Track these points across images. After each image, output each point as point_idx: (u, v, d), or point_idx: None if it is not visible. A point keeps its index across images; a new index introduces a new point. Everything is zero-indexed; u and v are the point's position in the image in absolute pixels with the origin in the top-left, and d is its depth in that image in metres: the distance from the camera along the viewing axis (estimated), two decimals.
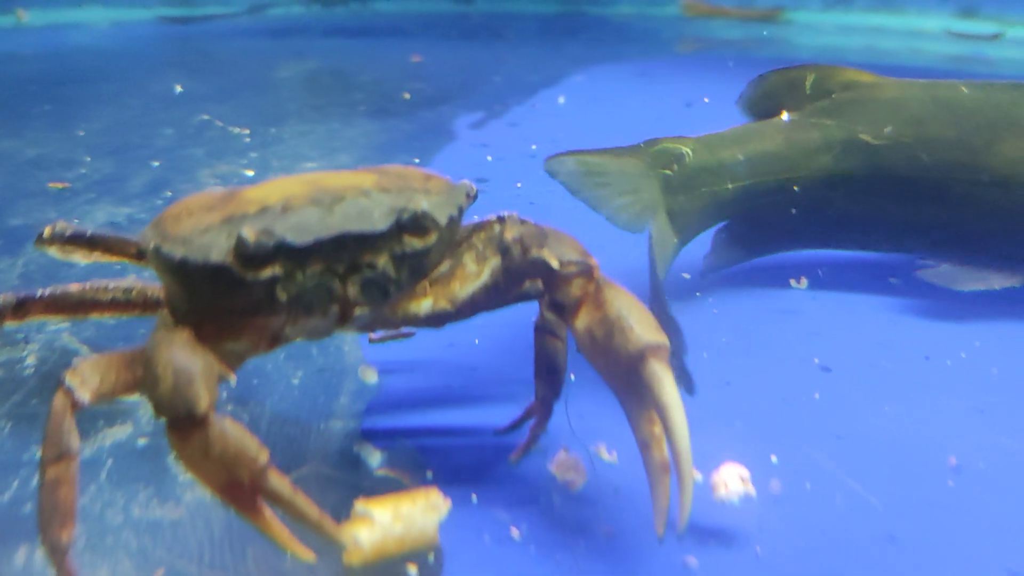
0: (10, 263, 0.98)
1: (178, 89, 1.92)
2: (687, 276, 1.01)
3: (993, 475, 0.66)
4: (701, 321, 0.90)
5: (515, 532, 0.59)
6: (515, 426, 0.69)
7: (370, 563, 0.54)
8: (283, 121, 1.68)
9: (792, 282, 1.00)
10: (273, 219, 0.54)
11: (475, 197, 0.62)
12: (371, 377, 0.79)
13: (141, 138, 1.54)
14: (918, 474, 0.66)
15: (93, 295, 0.66)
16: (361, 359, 0.80)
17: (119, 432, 0.67)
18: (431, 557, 0.56)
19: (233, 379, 0.54)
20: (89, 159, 1.40)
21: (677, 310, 0.81)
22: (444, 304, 0.61)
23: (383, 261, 0.55)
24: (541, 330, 0.65)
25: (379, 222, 0.55)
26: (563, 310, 0.60)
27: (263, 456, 0.48)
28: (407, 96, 1.77)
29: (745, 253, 1.07)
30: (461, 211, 0.61)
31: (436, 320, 0.62)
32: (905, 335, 0.88)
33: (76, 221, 0.85)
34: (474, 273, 0.61)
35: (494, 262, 0.61)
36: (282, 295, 0.54)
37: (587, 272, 0.60)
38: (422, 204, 0.56)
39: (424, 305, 0.61)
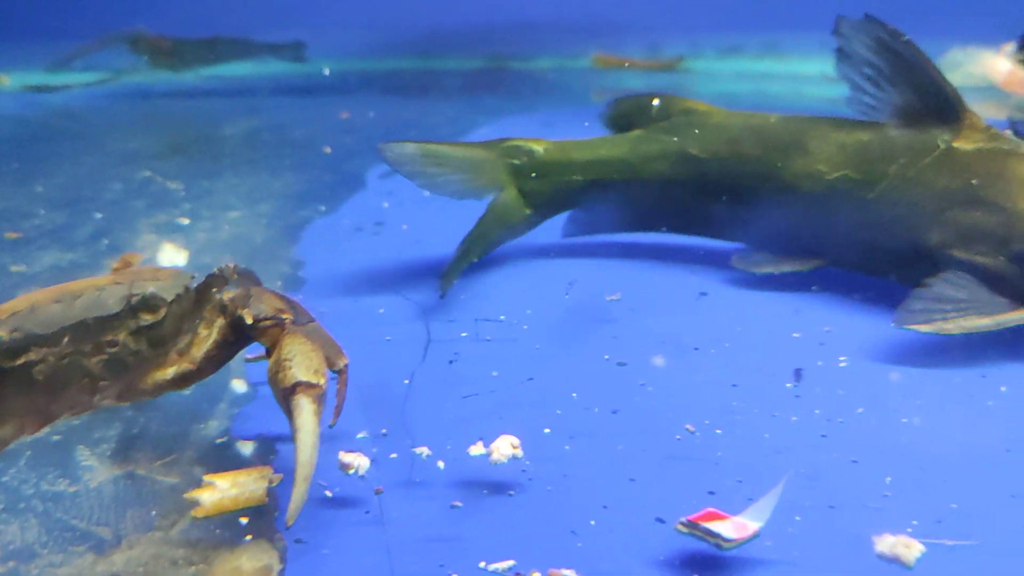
0: None
1: (130, 147, 2.16)
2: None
3: (722, 434, 0.91)
4: (514, 319, 1.15)
5: (328, 493, 0.81)
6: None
7: (211, 515, 0.78)
8: (218, 175, 1.92)
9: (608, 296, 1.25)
10: (22, 319, 0.73)
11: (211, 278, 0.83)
12: (243, 386, 1.02)
13: (91, 192, 1.77)
14: (656, 431, 0.91)
15: None
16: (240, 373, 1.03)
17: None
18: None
19: None
20: (43, 211, 1.63)
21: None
22: (187, 365, 0.82)
23: (123, 337, 0.76)
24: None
25: (113, 306, 0.76)
26: (268, 352, 0.81)
27: None
28: (328, 150, 2.03)
29: (594, 230, 1.45)
30: (187, 290, 0.82)
31: (182, 380, 0.83)
32: (687, 331, 1.13)
33: (24, 266, 1.08)
34: (206, 335, 0.82)
35: (219, 323, 0.82)
36: (39, 376, 0.73)
37: (279, 324, 0.81)
38: (149, 288, 0.78)
39: (170, 371, 0.82)
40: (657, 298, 1.25)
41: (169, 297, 0.78)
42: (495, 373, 1.03)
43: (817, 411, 0.95)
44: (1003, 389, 1.00)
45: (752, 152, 1.30)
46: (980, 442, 0.91)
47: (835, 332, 1.13)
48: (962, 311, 1.03)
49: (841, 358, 1.07)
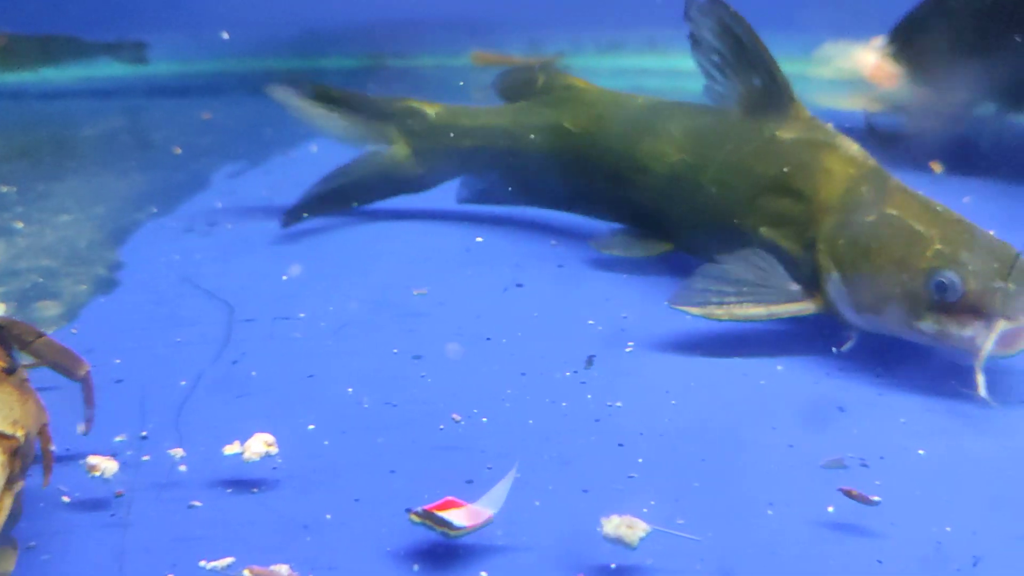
0: None
1: None
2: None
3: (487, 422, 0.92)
4: (315, 316, 1.14)
5: (65, 499, 0.79)
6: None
7: None
8: (60, 178, 1.86)
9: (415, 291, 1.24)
10: None
11: None
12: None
13: None
14: (424, 422, 0.92)
15: None
16: None
17: None
18: None
19: None
20: None
21: None
22: None
23: None
24: None
25: None
26: None
27: None
28: (178, 151, 1.99)
29: (485, 199, 1.50)
30: None
31: None
32: (488, 323, 1.13)
33: None
34: None
35: None
36: None
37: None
38: None
39: None
40: (470, 290, 1.25)
41: None
42: (276, 372, 1.01)
43: (589, 396, 0.96)
44: (779, 368, 1.03)
45: (614, 130, 1.34)
46: (746, 421, 0.93)
47: (631, 319, 1.15)
48: (743, 295, 1.04)
49: (629, 344, 1.08)
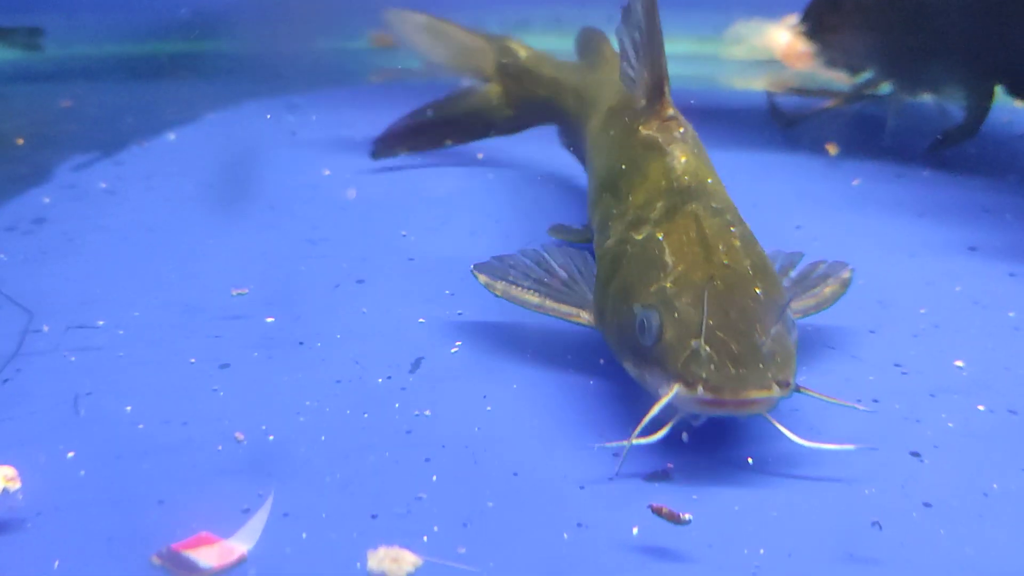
0: None
1: None
2: None
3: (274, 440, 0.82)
4: (115, 323, 1.03)
5: None
6: None
7: None
8: None
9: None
10: None
11: None
12: None
13: None
14: (203, 443, 0.81)
15: None
16: None
17: None
18: None
19: None
20: None
21: None
22: None
23: None
24: None
25: None
26: None
27: None
28: (20, 141, 1.84)
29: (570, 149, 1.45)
30: None
31: None
32: (303, 326, 1.03)
33: None
34: None
35: None
36: None
37: None
38: None
39: None
40: (298, 288, 1.14)
41: None
42: (48, 391, 0.90)
43: (397, 405, 0.87)
44: (600, 362, 0.95)
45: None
46: (564, 430, 0.84)
47: (467, 315, 1.06)
48: (540, 285, 0.95)
49: (457, 344, 0.99)
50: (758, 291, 0.80)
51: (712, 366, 0.74)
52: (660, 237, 0.86)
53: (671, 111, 1.04)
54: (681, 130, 1.01)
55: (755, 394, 0.74)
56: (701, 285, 0.79)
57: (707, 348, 0.75)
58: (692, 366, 0.74)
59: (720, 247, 0.84)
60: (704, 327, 0.75)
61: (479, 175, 1.68)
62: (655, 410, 0.75)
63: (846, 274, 1.00)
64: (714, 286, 0.79)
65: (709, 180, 0.96)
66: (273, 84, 2.47)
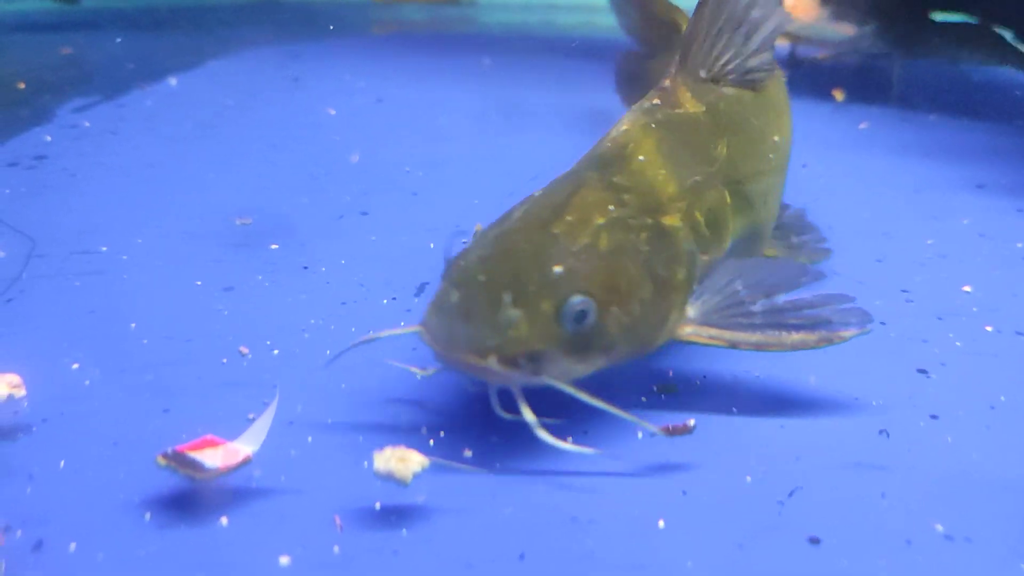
0: None
1: None
2: None
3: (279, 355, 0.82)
4: (118, 249, 1.03)
5: None
6: None
7: None
8: None
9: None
10: None
11: None
12: None
13: None
14: (209, 357, 0.81)
15: None
16: None
17: None
18: None
19: None
20: None
21: None
22: None
23: None
24: None
25: None
26: None
27: None
28: (22, 85, 1.83)
29: None
30: None
31: None
32: (307, 253, 1.03)
33: None
34: None
35: None
36: None
37: None
38: None
39: None
40: (302, 218, 1.14)
41: None
42: (50, 309, 0.90)
43: (403, 323, 0.87)
44: None
45: None
46: None
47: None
48: None
49: None
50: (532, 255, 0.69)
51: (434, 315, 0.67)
52: (536, 194, 0.78)
53: (667, 82, 0.92)
54: (656, 100, 0.89)
55: (466, 358, 0.65)
56: (480, 238, 0.72)
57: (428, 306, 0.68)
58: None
59: (545, 213, 0.73)
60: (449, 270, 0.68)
61: (481, 115, 1.68)
62: (397, 332, 0.72)
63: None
64: (486, 237, 0.71)
65: (641, 156, 0.81)
66: (274, 35, 2.45)
